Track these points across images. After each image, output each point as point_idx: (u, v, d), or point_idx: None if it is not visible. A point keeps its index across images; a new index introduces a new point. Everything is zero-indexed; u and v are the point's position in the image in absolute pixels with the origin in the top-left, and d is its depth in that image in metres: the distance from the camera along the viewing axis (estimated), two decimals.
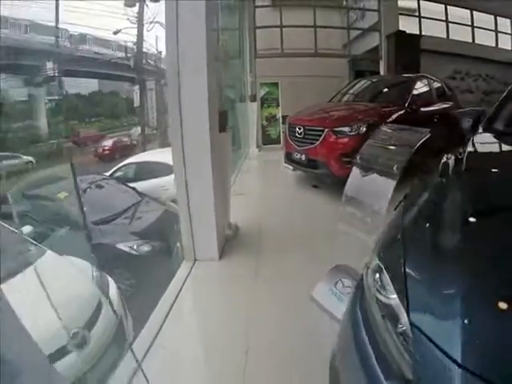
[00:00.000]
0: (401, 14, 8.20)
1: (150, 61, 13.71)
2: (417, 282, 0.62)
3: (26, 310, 1.04)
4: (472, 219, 0.73)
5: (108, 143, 8.85)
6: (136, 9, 11.78)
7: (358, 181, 1.82)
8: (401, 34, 7.58)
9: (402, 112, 3.78)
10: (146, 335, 1.52)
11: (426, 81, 4.65)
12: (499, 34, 9.24)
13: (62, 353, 1.59)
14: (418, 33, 8.18)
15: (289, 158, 3.92)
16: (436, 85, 4.92)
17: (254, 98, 6.55)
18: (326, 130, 3.35)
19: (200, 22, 1.73)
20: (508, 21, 9.58)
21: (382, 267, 0.68)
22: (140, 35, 12.73)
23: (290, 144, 3.89)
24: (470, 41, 8.85)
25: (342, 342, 0.80)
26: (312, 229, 2.67)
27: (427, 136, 1.68)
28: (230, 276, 2.02)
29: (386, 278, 0.66)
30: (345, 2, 9.18)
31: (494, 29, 9.23)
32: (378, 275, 0.68)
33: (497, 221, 0.75)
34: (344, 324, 0.82)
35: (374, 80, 5.07)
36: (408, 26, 8.37)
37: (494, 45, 9.12)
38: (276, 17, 8.29)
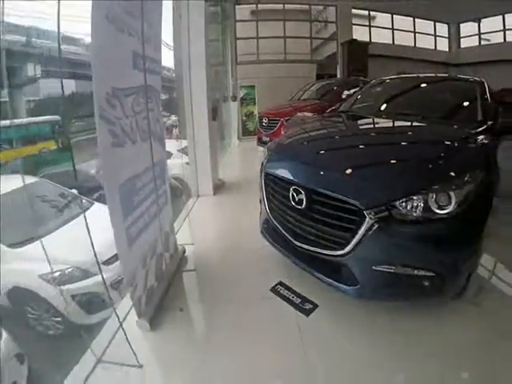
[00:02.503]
0: (354, 24, 9.91)
1: None
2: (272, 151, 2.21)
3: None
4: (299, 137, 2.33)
5: None
6: None
7: None
8: (353, 42, 9.26)
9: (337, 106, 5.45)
10: (178, 222, 3.09)
11: (358, 83, 6.33)
12: (437, 38, 11.11)
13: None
14: (367, 40, 9.89)
15: (259, 141, 5.56)
16: None
17: (235, 98, 8.11)
18: (281, 119, 4.99)
19: (202, 52, 3.32)
20: (446, 26, 11.46)
21: (267, 149, 2.27)
22: None
23: (259, 131, 5.54)
24: (413, 45, 10.66)
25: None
26: None
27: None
28: (219, 200, 3.64)
29: (266, 152, 2.23)
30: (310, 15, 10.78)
31: (433, 33, 11.09)
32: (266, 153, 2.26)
33: (308, 138, 2.34)
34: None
35: (322, 83, 6.74)
36: (361, 34, 10.11)
37: (433, 47, 10.97)
38: (253, 29, 9.85)
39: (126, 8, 1.42)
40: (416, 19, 10.87)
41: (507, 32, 10.20)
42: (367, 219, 1.33)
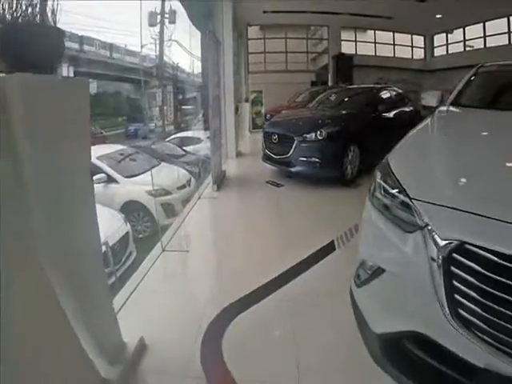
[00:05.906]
0: (343, 40, 12.42)
1: (168, 70, 17.93)
2: (267, 124, 4.84)
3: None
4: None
5: None
6: (157, 28, 16.08)
7: None
8: (341, 55, 11.76)
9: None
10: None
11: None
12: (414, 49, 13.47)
13: (184, 186, 5.84)
14: (353, 53, 12.37)
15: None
16: None
17: (247, 100, 10.74)
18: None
19: (229, 66, 5.96)
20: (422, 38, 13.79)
21: (265, 124, 4.87)
22: (161, 50, 16.89)
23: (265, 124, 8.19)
24: (392, 55, 13.06)
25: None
26: None
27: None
28: (240, 159, 6.32)
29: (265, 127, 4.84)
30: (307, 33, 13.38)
31: (410, 45, 13.45)
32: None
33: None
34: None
35: (313, 89, 9.33)
36: (352, 45, 12.61)
37: (410, 57, 13.34)
38: (262, 45, 12.51)
39: (214, 61, 4.08)
40: (395, 33, 13.28)
41: (468, 42, 12.46)
42: (295, 141, 3.96)
